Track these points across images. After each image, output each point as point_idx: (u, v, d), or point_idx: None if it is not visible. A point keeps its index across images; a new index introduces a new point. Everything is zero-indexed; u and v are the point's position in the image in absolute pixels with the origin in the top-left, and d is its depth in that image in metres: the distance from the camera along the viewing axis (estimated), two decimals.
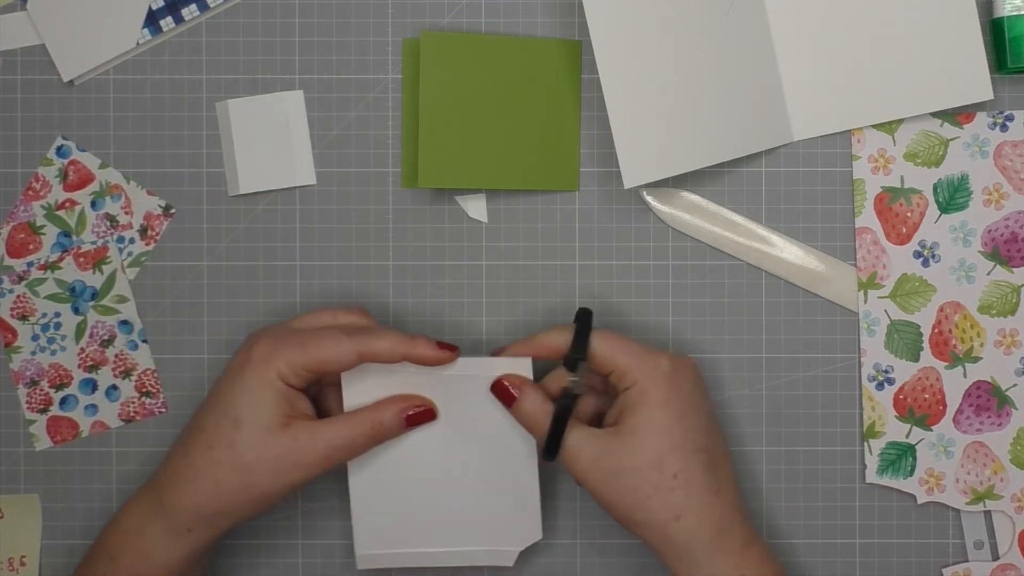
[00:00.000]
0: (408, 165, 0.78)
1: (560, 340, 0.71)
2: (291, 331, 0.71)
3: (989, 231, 0.78)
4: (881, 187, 0.78)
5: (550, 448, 0.69)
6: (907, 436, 0.78)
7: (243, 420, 0.69)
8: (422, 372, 0.71)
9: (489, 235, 0.79)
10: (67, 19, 0.78)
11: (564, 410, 0.69)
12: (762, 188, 0.79)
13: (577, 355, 0.70)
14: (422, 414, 0.71)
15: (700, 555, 0.69)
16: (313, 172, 0.79)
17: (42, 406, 0.79)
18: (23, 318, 0.79)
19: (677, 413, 0.69)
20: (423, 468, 0.73)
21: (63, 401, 0.79)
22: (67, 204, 0.79)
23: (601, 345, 0.70)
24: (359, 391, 0.72)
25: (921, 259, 0.78)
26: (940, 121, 0.78)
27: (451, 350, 0.70)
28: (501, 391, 0.71)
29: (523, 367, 0.71)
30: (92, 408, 0.79)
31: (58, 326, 0.79)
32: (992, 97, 0.76)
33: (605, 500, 0.70)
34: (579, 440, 0.69)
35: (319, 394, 0.74)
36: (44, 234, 0.79)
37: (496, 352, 0.73)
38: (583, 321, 0.71)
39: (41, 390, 0.79)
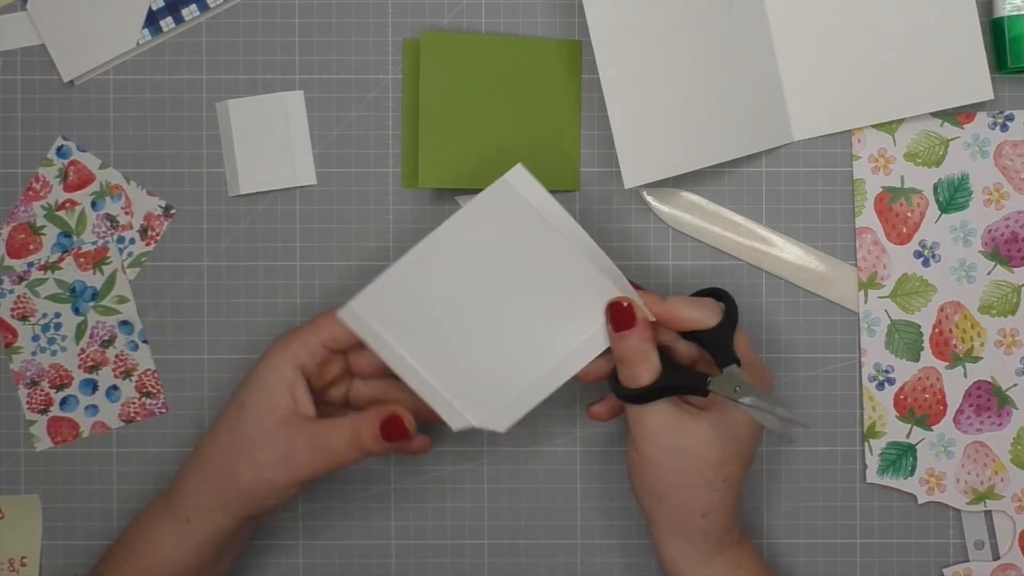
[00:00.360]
0: (408, 165, 0.78)
1: (695, 315, 0.70)
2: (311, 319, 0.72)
3: (989, 231, 0.78)
4: (881, 187, 0.78)
5: (646, 395, 0.69)
6: (907, 436, 0.78)
7: (246, 405, 0.70)
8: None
9: None
10: (67, 19, 0.78)
11: (697, 380, 0.69)
12: (762, 188, 0.79)
13: (730, 359, 0.70)
14: (394, 426, 0.70)
15: (705, 549, 0.70)
16: (313, 172, 0.79)
17: (42, 406, 0.79)
18: (23, 318, 0.79)
19: (757, 428, 0.70)
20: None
21: (63, 401, 0.79)
22: (67, 204, 0.79)
23: (742, 346, 0.71)
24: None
25: (921, 259, 0.78)
26: (940, 121, 0.78)
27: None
28: (620, 312, 0.69)
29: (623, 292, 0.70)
30: (92, 408, 0.79)
31: (58, 326, 0.79)
32: (992, 97, 0.76)
33: (650, 467, 0.69)
34: (664, 404, 0.69)
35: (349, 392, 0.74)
36: (44, 234, 0.79)
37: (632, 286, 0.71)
38: (729, 316, 0.71)
39: (41, 390, 0.79)
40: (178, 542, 0.70)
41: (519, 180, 0.69)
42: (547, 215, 0.70)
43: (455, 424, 0.71)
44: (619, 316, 0.69)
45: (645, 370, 0.69)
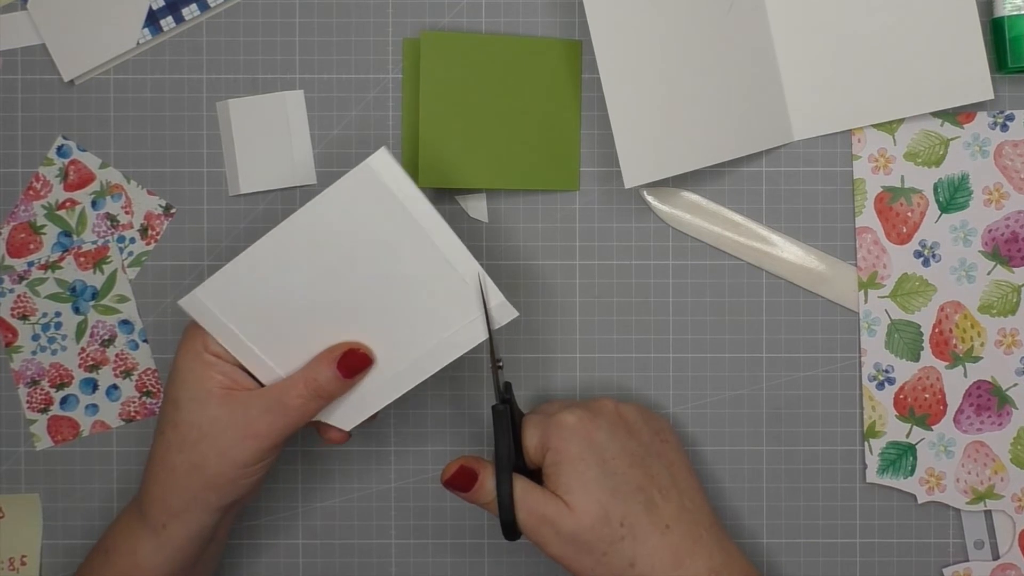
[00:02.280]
0: (408, 165, 0.78)
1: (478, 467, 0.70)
2: None
3: (989, 231, 0.78)
4: (881, 187, 0.78)
5: (511, 530, 0.68)
6: (907, 436, 0.78)
7: (179, 398, 0.69)
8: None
9: (489, 235, 0.79)
10: (67, 19, 0.78)
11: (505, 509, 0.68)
12: (762, 188, 0.79)
13: (516, 464, 0.69)
14: (353, 358, 0.69)
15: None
16: (313, 172, 0.79)
17: (43, 406, 0.79)
18: (24, 318, 0.79)
19: (598, 461, 0.68)
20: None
21: (64, 401, 0.79)
22: (67, 204, 0.79)
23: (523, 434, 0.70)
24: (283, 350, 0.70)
25: (921, 259, 0.78)
26: (940, 121, 0.78)
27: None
28: (461, 477, 0.69)
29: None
30: (93, 408, 0.79)
31: (59, 326, 0.79)
32: (992, 97, 0.76)
33: (570, 567, 0.68)
34: (531, 510, 0.68)
35: None
36: (45, 234, 0.79)
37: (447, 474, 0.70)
38: (502, 422, 0.69)
39: (42, 390, 0.79)
40: (156, 549, 0.69)
41: (382, 165, 0.68)
42: (409, 204, 0.68)
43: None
44: (459, 480, 0.69)
45: (493, 509, 0.69)
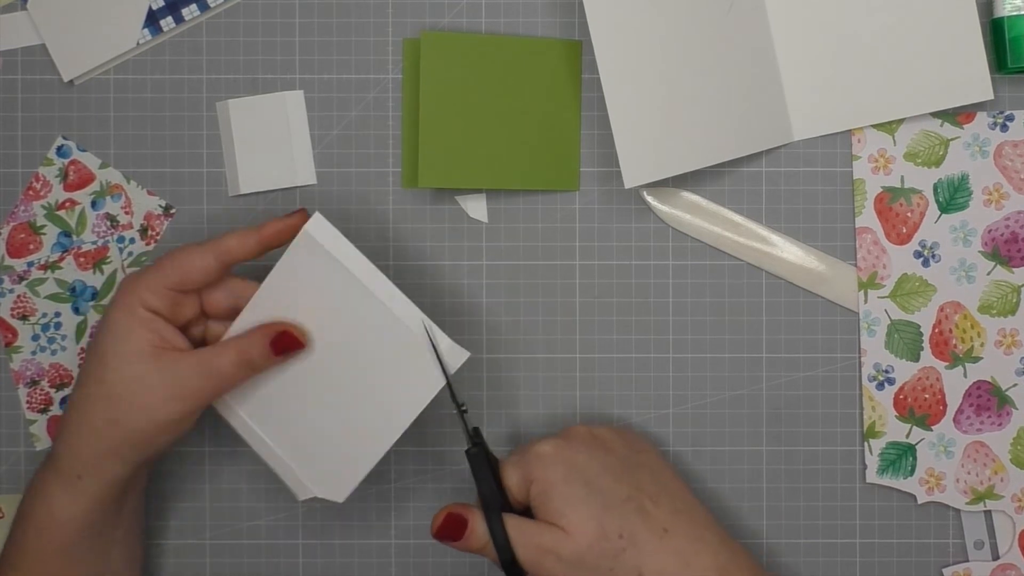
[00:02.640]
0: (408, 165, 0.78)
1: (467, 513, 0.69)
2: (154, 261, 0.72)
3: (989, 231, 0.78)
4: (881, 187, 0.78)
5: (513, 570, 0.68)
6: (907, 436, 0.78)
7: (107, 352, 0.69)
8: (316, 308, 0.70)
9: (489, 235, 0.79)
10: (67, 19, 0.78)
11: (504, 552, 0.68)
12: (762, 188, 0.79)
13: (502, 505, 0.69)
14: (287, 340, 0.70)
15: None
16: (313, 172, 0.79)
17: (42, 406, 0.79)
18: (23, 318, 0.79)
19: (583, 481, 0.68)
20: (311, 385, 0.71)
21: (64, 401, 0.79)
22: (67, 204, 0.79)
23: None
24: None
25: (921, 259, 0.78)
26: (940, 121, 0.78)
27: (299, 213, 0.70)
28: (450, 526, 0.69)
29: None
30: None
31: (58, 326, 0.79)
32: (992, 97, 0.76)
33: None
34: (528, 544, 0.68)
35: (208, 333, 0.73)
36: (44, 234, 0.79)
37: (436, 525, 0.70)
38: (478, 463, 0.69)
39: (41, 390, 0.79)
40: (72, 500, 0.69)
41: (320, 230, 0.70)
42: (349, 264, 0.70)
43: (300, 495, 0.72)
44: (449, 529, 0.68)
45: (491, 551, 0.68)
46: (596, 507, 0.67)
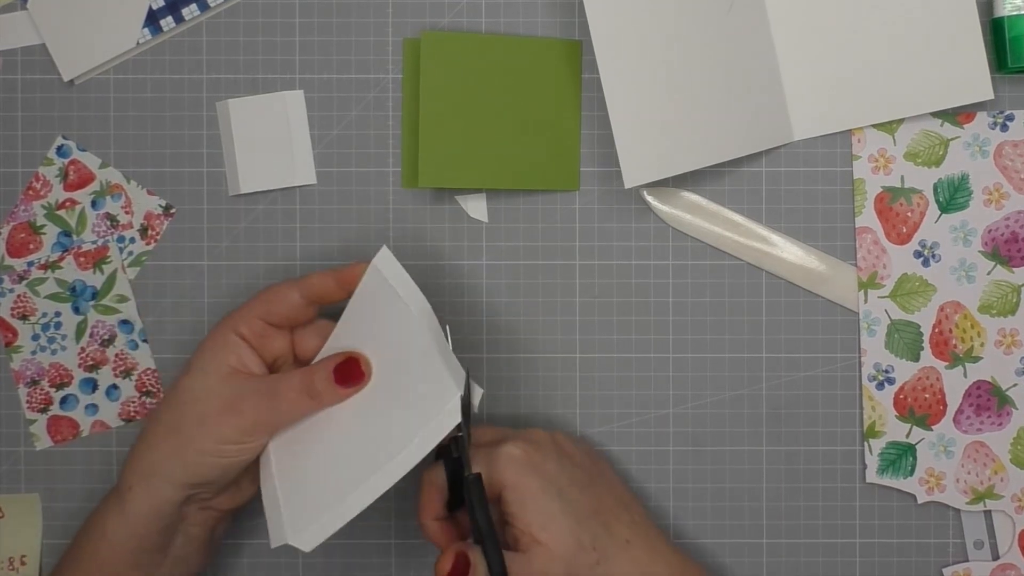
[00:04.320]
0: (408, 165, 0.78)
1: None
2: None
3: (989, 231, 0.78)
4: (881, 187, 0.78)
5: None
6: (907, 436, 0.78)
7: (192, 367, 0.70)
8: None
9: (489, 235, 0.79)
10: (67, 19, 0.78)
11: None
12: (762, 188, 0.79)
13: (487, 530, 0.68)
14: (350, 367, 0.69)
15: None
16: (313, 172, 0.79)
17: (42, 406, 0.79)
18: (23, 318, 0.79)
19: (557, 493, 0.69)
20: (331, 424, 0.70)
21: (63, 401, 0.79)
22: (67, 204, 0.79)
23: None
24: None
25: (921, 259, 0.78)
26: (940, 121, 0.78)
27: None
28: (460, 567, 0.67)
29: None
30: (92, 408, 0.79)
31: (58, 326, 0.79)
32: (992, 97, 0.76)
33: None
34: (521, 573, 0.68)
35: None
36: (44, 234, 0.79)
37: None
38: (479, 492, 0.68)
39: (41, 390, 0.79)
40: (121, 520, 0.69)
41: (386, 264, 0.70)
42: (408, 299, 0.69)
43: (273, 541, 0.68)
44: (457, 571, 0.67)
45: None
46: (571, 521, 0.68)
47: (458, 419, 0.66)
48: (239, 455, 0.69)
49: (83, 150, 0.79)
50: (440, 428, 0.66)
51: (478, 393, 0.71)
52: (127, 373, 0.79)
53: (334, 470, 0.68)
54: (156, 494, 0.69)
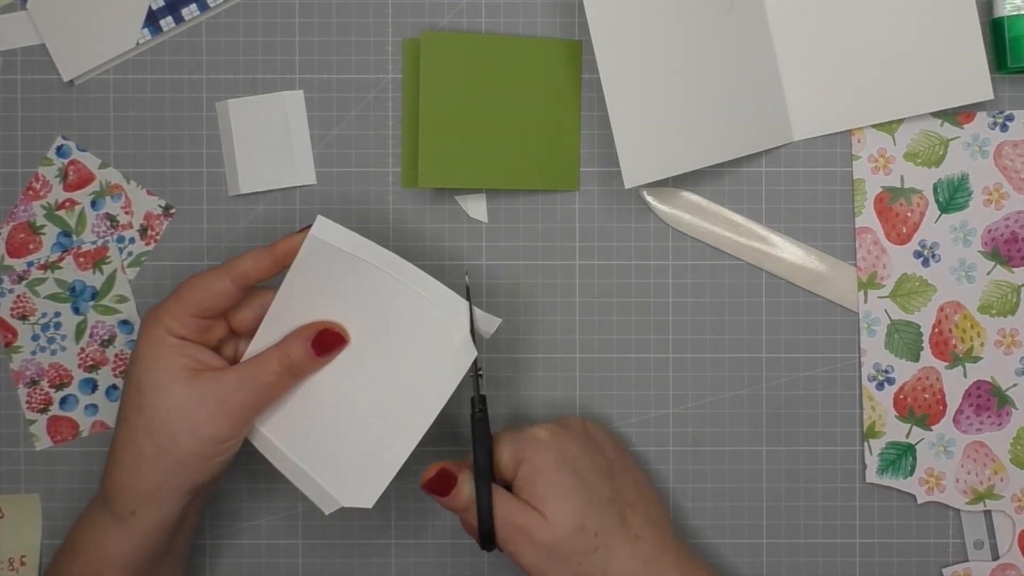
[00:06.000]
0: (408, 165, 0.78)
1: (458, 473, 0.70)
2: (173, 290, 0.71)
3: (989, 231, 0.78)
4: (881, 187, 0.78)
5: (488, 540, 0.69)
6: (907, 436, 0.78)
7: (143, 382, 0.69)
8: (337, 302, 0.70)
9: (489, 235, 0.79)
10: (67, 19, 0.78)
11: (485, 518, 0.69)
12: (762, 188, 0.79)
13: (481, 461, 0.69)
14: (328, 337, 0.70)
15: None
16: (313, 172, 0.79)
17: (42, 406, 0.79)
18: (23, 318, 0.79)
19: (572, 472, 0.69)
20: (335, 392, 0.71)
21: (63, 401, 0.79)
22: (67, 204, 0.79)
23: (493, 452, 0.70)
24: (278, 329, 0.71)
25: (921, 259, 0.78)
26: (940, 121, 0.78)
27: (307, 228, 0.70)
28: (440, 481, 0.69)
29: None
30: (92, 408, 0.79)
31: (58, 326, 0.79)
32: (992, 97, 0.76)
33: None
34: (506, 520, 0.68)
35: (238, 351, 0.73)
36: (44, 234, 0.79)
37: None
38: (481, 430, 0.70)
39: (41, 390, 0.79)
40: (124, 538, 0.69)
41: (326, 231, 0.69)
42: (364, 255, 0.69)
43: (326, 508, 0.70)
44: (437, 484, 0.69)
45: (470, 516, 0.69)
46: (580, 501, 0.68)
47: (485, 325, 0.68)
48: (236, 446, 0.70)
49: (83, 150, 0.79)
50: (469, 344, 0.69)
51: (495, 322, 0.70)
52: (127, 373, 0.79)
53: (362, 428, 0.70)
54: (164, 509, 0.69)
